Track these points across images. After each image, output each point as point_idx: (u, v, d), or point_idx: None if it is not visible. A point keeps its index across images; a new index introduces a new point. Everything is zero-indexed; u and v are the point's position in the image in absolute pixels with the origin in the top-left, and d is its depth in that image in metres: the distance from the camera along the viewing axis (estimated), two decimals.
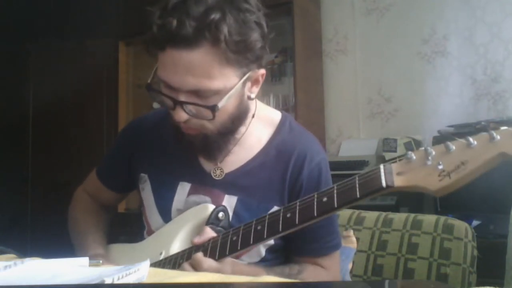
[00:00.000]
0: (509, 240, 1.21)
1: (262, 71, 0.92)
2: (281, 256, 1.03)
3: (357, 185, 0.72)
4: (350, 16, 3.02)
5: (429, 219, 1.23)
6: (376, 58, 2.93)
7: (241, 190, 0.97)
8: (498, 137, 0.62)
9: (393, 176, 0.69)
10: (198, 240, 0.89)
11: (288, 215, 0.79)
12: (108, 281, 0.56)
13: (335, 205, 0.73)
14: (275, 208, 0.95)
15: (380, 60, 2.91)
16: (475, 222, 2.09)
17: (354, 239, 1.21)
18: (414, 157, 0.68)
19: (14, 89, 3.59)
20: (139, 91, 3.37)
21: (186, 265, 0.85)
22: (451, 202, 2.26)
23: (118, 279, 0.57)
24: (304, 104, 2.76)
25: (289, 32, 2.77)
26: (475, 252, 1.14)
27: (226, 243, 0.84)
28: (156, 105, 3.36)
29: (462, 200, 2.22)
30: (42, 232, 3.25)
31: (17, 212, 3.47)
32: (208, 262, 0.83)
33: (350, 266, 1.19)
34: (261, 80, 0.94)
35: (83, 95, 3.35)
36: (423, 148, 0.68)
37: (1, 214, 3.20)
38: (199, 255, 0.84)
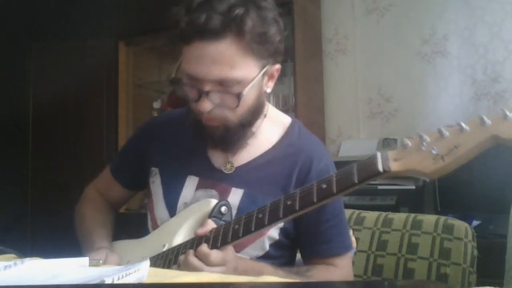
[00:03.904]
0: (509, 240, 1.21)
1: (278, 66, 0.99)
2: (286, 254, 1.04)
3: (355, 171, 0.73)
4: (350, 16, 3.02)
5: (429, 219, 1.23)
6: (376, 58, 2.92)
7: (248, 183, 1.00)
8: (489, 121, 0.65)
9: (389, 162, 0.71)
10: (200, 230, 0.90)
11: (289, 202, 0.80)
12: (108, 281, 0.56)
13: (334, 191, 0.75)
14: None
15: (380, 60, 2.91)
16: (475, 222, 2.09)
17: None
18: (410, 144, 0.71)
19: (14, 89, 3.59)
20: (139, 91, 3.37)
21: (192, 258, 0.84)
22: (451, 202, 2.26)
23: (118, 279, 0.57)
24: (304, 104, 2.76)
25: (289, 32, 2.76)
26: (475, 252, 1.14)
27: (228, 232, 0.85)
28: (156, 105, 3.36)
29: (462, 200, 2.22)
30: (42, 232, 3.26)
31: (17, 212, 3.47)
32: (214, 253, 0.83)
33: None
34: (276, 75, 1.00)
35: (83, 95, 3.34)
36: (418, 134, 0.71)
37: (1, 214, 3.20)
38: (204, 247, 0.85)
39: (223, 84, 0.89)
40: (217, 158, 1.04)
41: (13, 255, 0.86)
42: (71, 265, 0.73)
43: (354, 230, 1.28)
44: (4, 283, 0.62)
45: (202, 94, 0.90)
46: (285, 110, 2.63)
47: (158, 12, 3.04)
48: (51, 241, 2.62)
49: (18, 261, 0.70)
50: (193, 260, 0.83)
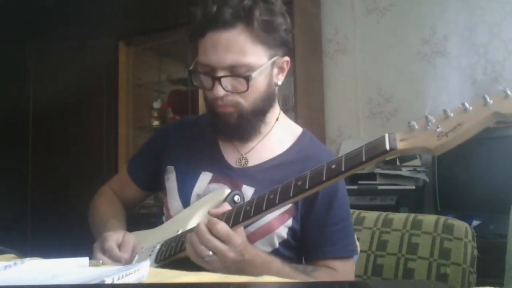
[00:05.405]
0: (509, 240, 1.21)
1: (287, 58, 1.06)
2: (295, 257, 1.04)
3: (363, 151, 0.76)
4: (350, 16, 3.02)
5: (429, 219, 1.23)
6: (376, 58, 2.92)
7: (259, 183, 1.03)
8: (491, 101, 0.68)
9: (396, 141, 0.74)
10: (214, 210, 0.92)
11: (299, 183, 0.82)
12: (108, 281, 0.56)
13: (343, 169, 0.77)
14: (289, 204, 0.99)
15: (380, 60, 2.91)
16: (475, 222, 2.09)
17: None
18: (416, 126, 0.74)
19: (14, 89, 3.59)
20: (139, 91, 3.37)
21: (201, 224, 0.86)
22: (451, 202, 2.26)
23: (118, 279, 0.58)
24: (304, 104, 2.76)
25: None
26: (475, 252, 1.14)
27: (240, 213, 0.87)
28: (156, 105, 3.36)
29: (462, 200, 2.22)
30: (42, 232, 3.25)
31: (17, 212, 3.47)
32: (222, 224, 0.85)
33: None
34: (285, 68, 1.07)
35: (83, 95, 3.34)
36: (424, 117, 0.74)
37: (1, 214, 3.20)
38: (215, 218, 0.87)
39: (234, 70, 0.96)
40: (230, 156, 1.09)
41: (13, 255, 0.86)
42: (71, 265, 0.73)
43: (354, 230, 1.28)
44: (4, 283, 0.62)
45: (215, 81, 0.97)
46: (285, 110, 2.63)
47: (158, 12, 3.08)
48: (51, 241, 2.62)
49: (18, 261, 0.70)
50: (202, 225, 0.85)
